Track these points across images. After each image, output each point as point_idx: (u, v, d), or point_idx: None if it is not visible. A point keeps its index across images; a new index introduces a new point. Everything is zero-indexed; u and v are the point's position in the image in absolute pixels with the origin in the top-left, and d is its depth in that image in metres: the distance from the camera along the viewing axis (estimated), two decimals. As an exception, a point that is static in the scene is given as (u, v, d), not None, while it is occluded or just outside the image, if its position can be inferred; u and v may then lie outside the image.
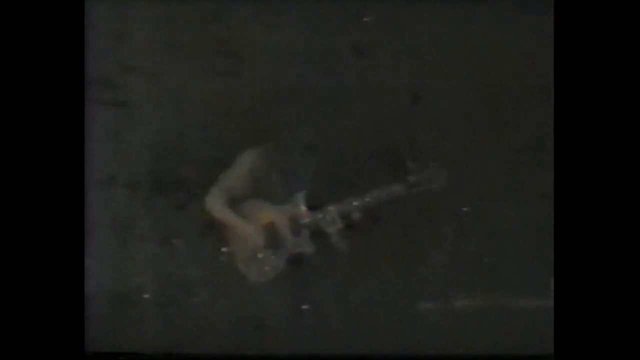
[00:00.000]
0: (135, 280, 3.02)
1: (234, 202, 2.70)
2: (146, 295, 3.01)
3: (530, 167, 3.02)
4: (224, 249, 2.93)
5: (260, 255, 2.63)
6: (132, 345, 2.98)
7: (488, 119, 3.06)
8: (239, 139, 3.06)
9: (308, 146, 2.98)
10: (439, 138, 3.04)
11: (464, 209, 3.01)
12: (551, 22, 2.60)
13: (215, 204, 2.57)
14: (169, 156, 3.06)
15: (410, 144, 3.03)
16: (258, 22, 3.10)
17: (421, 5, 3.08)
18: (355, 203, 2.53)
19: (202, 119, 3.08)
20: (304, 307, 2.80)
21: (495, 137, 3.05)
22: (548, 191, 2.91)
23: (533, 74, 3.04)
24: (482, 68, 3.07)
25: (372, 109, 3.06)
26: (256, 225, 2.57)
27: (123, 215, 3.04)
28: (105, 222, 3.03)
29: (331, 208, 2.53)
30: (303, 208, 2.55)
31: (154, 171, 3.06)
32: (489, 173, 3.03)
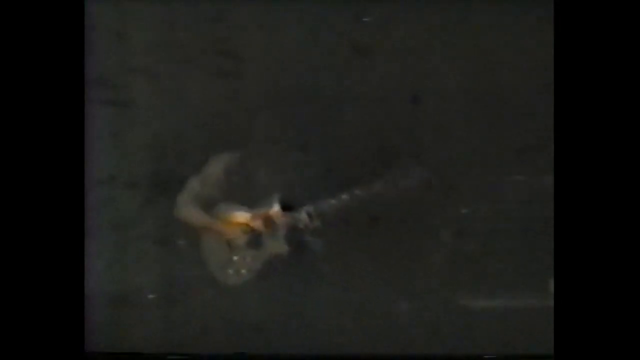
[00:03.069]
0: (135, 280, 3.02)
1: (207, 206, 2.66)
2: (146, 295, 3.01)
3: (530, 167, 3.02)
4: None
5: (235, 258, 2.59)
6: (131, 345, 2.98)
7: (488, 119, 3.06)
8: (239, 138, 3.06)
9: (302, 146, 2.99)
10: (438, 138, 3.04)
11: (463, 210, 3.01)
12: (551, 22, 2.60)
13: (188, 209, 2.52)
14: (169, 156, 3.06)
15: (410, 143, 3.03)
16: (258, 22, 3.10)
17: (421, 5, 3.08)
18: (333, 201, 2.52)
19: (202, 119, 3.08)
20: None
21: (495, 136, 3.05)
22: (548, 191, 2.92)
23: (533, 73, 3.04)
24: (482, 68, 3.07)
25: (371, 109, 3.06)
26: (232, 227, 2.54)
27: (123, 215, 3.04)
28: (105, 222, 3.03)
29: (307, 207, 2.52)
30: (278, 208, 2.53)
31: (154, 171, 3.06)
32: (489, 173, 3.04)
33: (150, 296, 3.01)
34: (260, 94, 3.08)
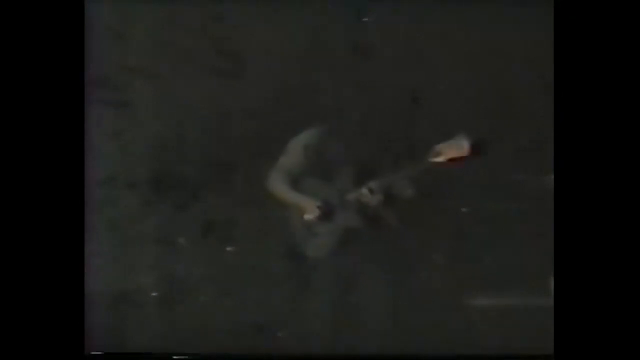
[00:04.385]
0: (135, 280, 3.02)
1: (292, 182, 2.72)
2: (146, 295, 3.01)
3: (530, 168, 3.02)
4: (229, 248, 2.94)
5: (314, 231, 2.65)
6: (131, 346, 2.98)
7: (489, 119, 3.06)
8: (239, 138, 3.06)
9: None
10: (439, 138, 3.04)
11: (463, 209, 3.02)
12: (551, 21, 2.60)
13: (277, 184, 2.62)
14: (169, 156, 3.06)
15: (410, 143, 3.04)
16: (258, 22, 3.10)
17: (421, 5, 3.08)
18: (394, 177, 2.60)
19: (202, 119, 3.08)
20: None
21: (496, 137, 3.05)
22: (548, 191, 2.92)
23: (533, 73, 3.04)
24: (483, 68, 3.07)
25: (371, 108, 3.06)
26: (312, 201, 2.62)
27: (123, 215, 3.04)
28: (106, 222, 3.03)
29: (371, 182, 2.61)
30: (349, 184, 2.62)
31: (154, 171, 3.06)
32: (489, 172, 3.04)
33: (152, 295, 3.01)
34: (260, 93, 3.08)
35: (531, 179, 3.00)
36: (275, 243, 3.00)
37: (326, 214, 2.46)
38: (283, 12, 3.10)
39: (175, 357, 2.97)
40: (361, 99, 3.06)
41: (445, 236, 2.97)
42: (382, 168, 2.80)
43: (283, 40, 3.10)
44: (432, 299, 2.83)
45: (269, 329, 2.97)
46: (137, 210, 3.04)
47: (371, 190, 2.61)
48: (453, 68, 3.07)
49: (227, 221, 3.02)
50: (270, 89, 3.08)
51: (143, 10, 3.11)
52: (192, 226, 3.03)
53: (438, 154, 2.67)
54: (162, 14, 3.11)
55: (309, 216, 2.42)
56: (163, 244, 3.03)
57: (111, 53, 3.10)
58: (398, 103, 3.06)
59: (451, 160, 2.70)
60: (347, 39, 3.09)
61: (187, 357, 2.97)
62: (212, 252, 3.02)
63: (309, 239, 2.56)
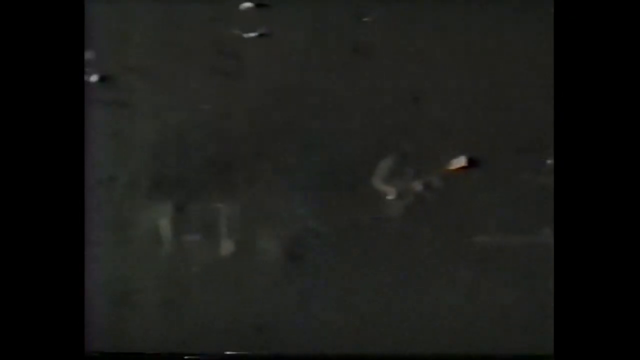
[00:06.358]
0: (135, 280, 3.02)
1: (383, 181, 3.05)
2: (146, 296, 3.01)
3: (530, 168, 3.03)
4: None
5: (393, 203, 3.08)
6: (132, 346, 2.98)
7: (489, 119, 3.06)
8: (239, 138, 3.06)
9: (302, 147, 3.01)
10: (440, 138, 3.05)
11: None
12: (551, 22, 2.60)
13: (377, 183, 3.06)
14: (169, 156, 3.07)
15: (410, 143, 3.04)
16: (258, 22, 3.11)
17: (422, 5, 3.08)
18: (429, 176, 3.14)
19: (202, 119, 3.08)
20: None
21: (496, 137, 3.05)
22: (548, 192, 2.92)
23: (534, 73, 3.04)
24: (483, 68, 3.08)
25: (371, 109, 3.07)
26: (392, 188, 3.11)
27: (123, 216, 3.04)
28: (105, 222, 3.03)
29: (416, 181, 3.13)
30: (409, 179, 3.12)
31: (154, 171, 3.06)
32: (490, 172, 3.04)
33: (151, 296, 3.01)
34: (260, 94, 3.08)
35: (532, 177, 3.01)
36: (275, 242, 3.01)
37: (398, 195, 2.98)
38: (283, 12, 3.10)
39: (175, 357, 2.97)
40: (361, 99, 3.07)
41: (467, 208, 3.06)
42: (418, 169, 3.13)
43: (283, 40, 3.11)
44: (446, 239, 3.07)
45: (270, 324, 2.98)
46: (137, 210, 3.05)
47: (416, 184, 3.12)
48: (453, 68, 3.08)
49: (228, 221, 3.03)
50: (270, 89, 3.08)
51: (143, 10, 3.12)
52: (192, 226, 3.04)
53: (450, 165, 3.10)
54: (162, 14, 3.11)
55: (390, 197, 2.95)
56: (163, 243, 3.03)
57: (111, 53, 3.10)
58: (399, 103, 3.07)
59: (458, 169, 3.07)
60: (347, 39, 3.10)
61: (187, 357, 2.97)
62: (212, 252, 3.02)
63: (390, 208, 3.02)
